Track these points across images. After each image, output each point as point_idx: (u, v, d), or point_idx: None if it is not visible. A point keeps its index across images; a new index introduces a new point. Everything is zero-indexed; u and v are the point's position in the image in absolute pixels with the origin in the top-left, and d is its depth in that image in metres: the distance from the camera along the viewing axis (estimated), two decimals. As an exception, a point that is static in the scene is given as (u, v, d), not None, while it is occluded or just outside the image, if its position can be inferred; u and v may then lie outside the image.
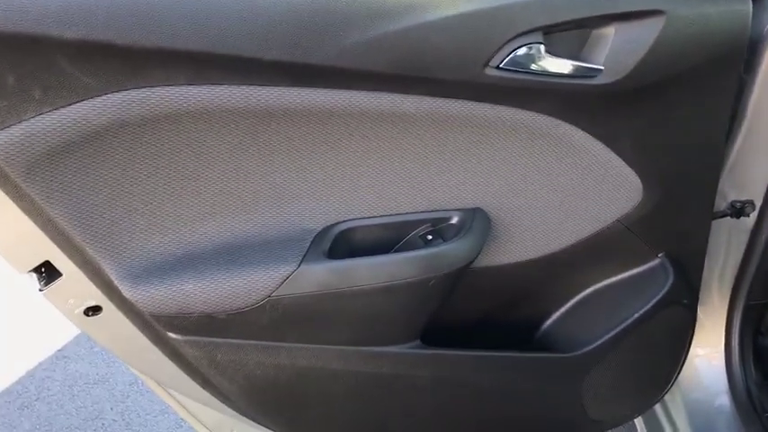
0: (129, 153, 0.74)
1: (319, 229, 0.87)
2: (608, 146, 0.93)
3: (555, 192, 0.96)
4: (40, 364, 2.46)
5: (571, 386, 1.09)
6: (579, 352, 1.05)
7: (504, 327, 1.10)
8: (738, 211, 1.18)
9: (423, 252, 0.87)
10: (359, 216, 0.89)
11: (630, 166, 0.95)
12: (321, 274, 0.83)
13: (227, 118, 0.76)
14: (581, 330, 1.10)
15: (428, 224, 0.93)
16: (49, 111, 0.68)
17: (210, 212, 0.81)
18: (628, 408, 1.19)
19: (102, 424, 2.18)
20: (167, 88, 0.71)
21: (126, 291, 0.79)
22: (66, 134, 0.70)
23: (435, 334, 0.98)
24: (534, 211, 0.97)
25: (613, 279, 1.10)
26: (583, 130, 0.90)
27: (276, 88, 0.74)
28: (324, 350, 0.89)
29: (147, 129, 0.73)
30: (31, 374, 2.42)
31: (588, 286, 1.11)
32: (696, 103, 0.93)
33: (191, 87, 0.71)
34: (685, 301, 1.11)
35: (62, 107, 0.68)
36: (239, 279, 0.81)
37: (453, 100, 0.82)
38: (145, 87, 0.70)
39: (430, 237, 0.92)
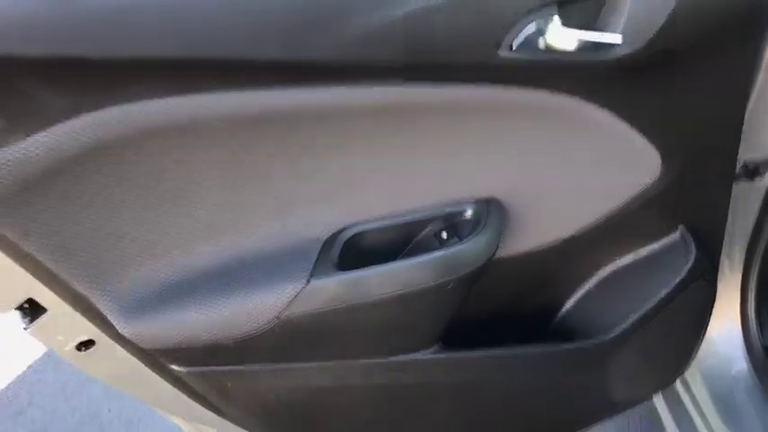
0: (112, 177, 0.66)
1: (326, 237, 0.80)
2: (626, 120, 0.86)
3: (572, 173, 0.90)
4: (30, 366, 2.38)
5: (595, 373, 1.04)
6: (603, 338, 1.00)
7: (521, 316, 1.05)
8: (752, 171, 1.13)
9: (439, 255, 0.80)
10: (367, 218, 0.82)
11: (649, 140, 0.89)
12: (332, 288, 0.76)
13: (219, 128, 0.68)
14: (602, 314, 1.05)
15: (441, 220, 0.86)
16: (18, 140, 0.60)
17: (206, 232, 0.74)
18: (649, 386, 1.16)
19: (101, 424, 2.12)
20: (149, 102, 0.62)
21: (121, 327, 0.71)
22: (40, 163, 0.61)
23: (451, 332, 0.92)
24: (550, 195, 0.91)
25: (632, 257, 1.05)
26: (600, 105, 0.84)
27: (271, 91, 0.66)
28: (340, 366, 0.83)
29: (129, 149, 0.65)
30: (21, 379, 2.34)
31: (606, 266, 1.05)
32: (718, 70, 0.87)
33: (176, 99, 0.63)
34: (708, 277, 1.07)
35: (32, 134, 0.60)
36: (244, 302, 0.74)
37: (464, 86, 0.75)
38: (123, 103, 0.61)
39: (444, 235, 0.85)
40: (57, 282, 0.70)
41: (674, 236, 1.03)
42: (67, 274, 0.69)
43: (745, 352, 1.28)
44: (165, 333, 0.72)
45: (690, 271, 1.01)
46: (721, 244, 1.10)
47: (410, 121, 0.77)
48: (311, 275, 0.76)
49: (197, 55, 0.61)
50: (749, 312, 1.29)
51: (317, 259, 0.77)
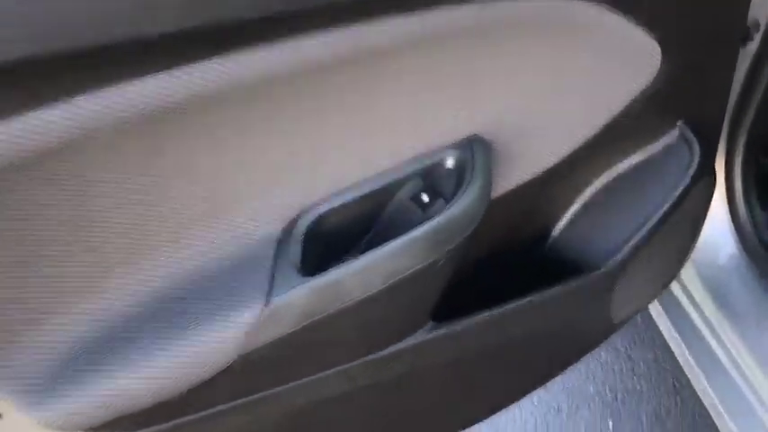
0: None
1: (279, 234, 0.61)
2: (623, 13, 0.69)
3: (565, 89, 0.73)
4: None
5: (601, 302, 0.93)
6: (608, 265, 0.87)
7: (511, 255, 0.91)
8: (742, 37, 0.99)
9: (425, 230, 0.62)
10: (326, 195, 0.63)
11: (648, 31, 0.73)
12: (301, 303, 0.58)
13: (115, 136, 0.46)
14: (603, 233, 0.91)
15: (418, 178, 0.68)
16: None
17: (124, 265, 0.54)
18: (649, 294, 1.06)
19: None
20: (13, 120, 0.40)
21: (35, 415, 0.52)
22: None
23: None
24: (543, 118, 0.74)
25: (627, 164, 0.90)
26: (597, 2, 0.66)
27: (188, 67, 0.46)
28: (324, 378, 0.67)
29: None
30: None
31: (598, 178, 0.91)
32: None
33: (50, 110, 0.41)
34: (710, 171, 0.94)
35: None
36: (188, 347, 0.55)
37: (435, 10, 0.55)
38: None
39: (425, 197, 0.67)
40: None
41: (673, 133, 0.89)
42: None
43: (735, 234, 1.20)
44: (95, 409, 0.53)
45: (696, 170, 0.88)
46: (720, 133, 0.97)
47: (370, 69, 0.57)
48: (270, 292, 0.57)
49: (67, 46, 0.39)
50: (736, 191, 1.19)
51: (275, 266, 0.59)
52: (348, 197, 0.64)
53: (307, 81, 0.54)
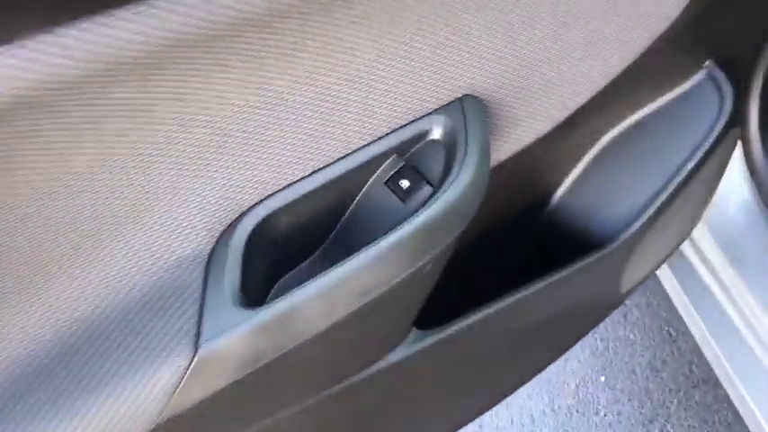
0: None
1: (209, 249, 0.45)
2: None
3: (577, 31, 0.57)
4: None
5: (612, 277, 0.79)
6: (622, 239, 0.73)
7: (506, 226, 0.76)
8: None
9: (406, 231, 0.47)
10: (272, 190, 0.47)
11: None
12: (244, 345, 0.43)
13: None
14: (613, 198, 0.77)
15: (394, 157, 0.52)
16: None
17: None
18: (658, 261, 0.93)
19: None
20: None
21: None
22: None
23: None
24: (549, 67, 0.58)
25: (645, 113, 0.75)
26: None
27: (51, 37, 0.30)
28: (283, 420, 0.53)
29: None
30: None
31: (612, 128, 0.76)
32: None
33: None
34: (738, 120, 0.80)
35: None
36: (91, 419, 0.40)
37: None
38: None
39: (406, 182, 0.51)
40: None
41: (698, 76, 0.74)
42: None
43: (749, 181, 1.06)
44: None
45: (727, 119, 0.73)
46: (750, 74, 0.81)
47: (325, 10, 0.39)
48: (199, 335, 0.42)
49: None
50: (751, 133, 1.04)
51: (204, 296, 0.43)
52: (303, 189, 0.48)
53: (239, 35, 0.37)
